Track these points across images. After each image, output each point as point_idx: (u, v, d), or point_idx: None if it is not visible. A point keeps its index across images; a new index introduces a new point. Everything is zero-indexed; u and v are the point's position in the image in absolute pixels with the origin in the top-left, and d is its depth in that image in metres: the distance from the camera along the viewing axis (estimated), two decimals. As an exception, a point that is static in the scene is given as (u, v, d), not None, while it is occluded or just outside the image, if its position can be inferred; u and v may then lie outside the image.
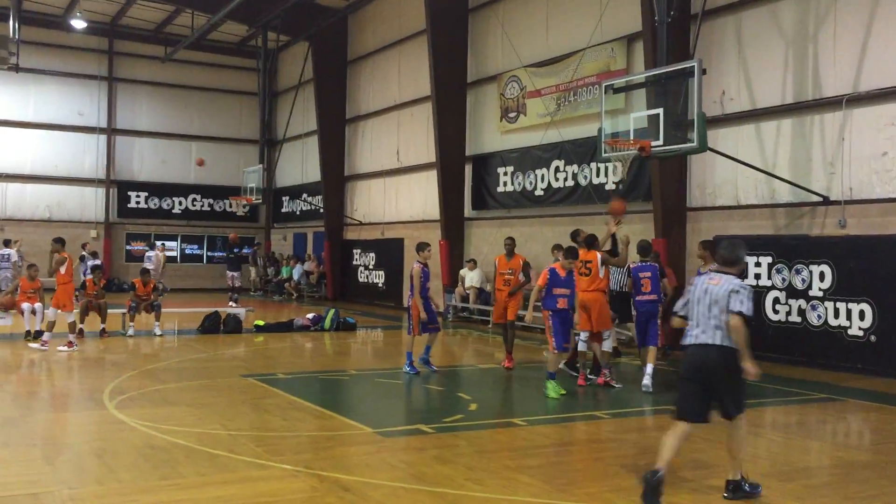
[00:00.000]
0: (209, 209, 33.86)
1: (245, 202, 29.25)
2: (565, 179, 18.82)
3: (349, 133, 28.71)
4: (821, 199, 13.57)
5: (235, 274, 25.30)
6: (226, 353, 14.55)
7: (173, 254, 32.38)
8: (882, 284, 12.48)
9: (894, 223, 12.61)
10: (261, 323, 18.38)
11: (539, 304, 10.91)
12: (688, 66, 12.88)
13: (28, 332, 15.30)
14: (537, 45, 19.85)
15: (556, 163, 19.07)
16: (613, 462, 7.45)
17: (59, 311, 14.17)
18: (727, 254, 6.40)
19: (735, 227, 14.91)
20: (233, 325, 17.53)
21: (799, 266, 13.58)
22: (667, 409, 9.89)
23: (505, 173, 20.80)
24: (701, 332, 6.20)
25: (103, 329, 16.23)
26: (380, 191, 26.90)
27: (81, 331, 15.61)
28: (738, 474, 6.30)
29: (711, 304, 6.16)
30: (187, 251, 33.69)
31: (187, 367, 12.77)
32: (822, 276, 13.27)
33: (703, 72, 12.71)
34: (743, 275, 7.40)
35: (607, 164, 17.09)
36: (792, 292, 13.69)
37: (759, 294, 13.64)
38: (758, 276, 14.13)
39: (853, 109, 13.24)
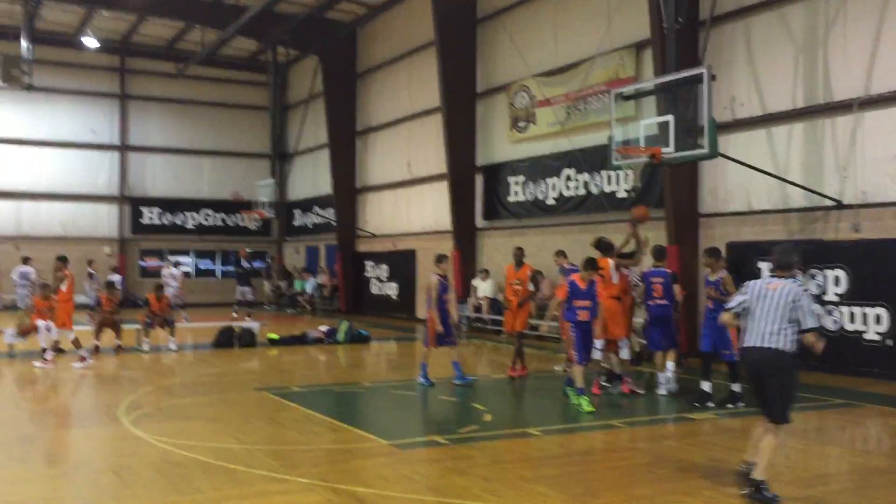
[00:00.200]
0: (222, 224, 34.02)
1: (257, 216, 29.30)
2: (577, 188, 18.81)
3: (360, 145, 28.79)
4: (834, 204, 13.50)
5: (246, 289, 25.22)
6: (240, 368, 14.59)
7: (187, 269, 32.50)
8: (898, 288, 12.40)
9: (909, 226, 12.55)
10: (275, 336, 18.39)
11: (557, 314, 10.83)
12: (697, 72, 12.85)
13: (44, 350, 15.36)
14: (546, 54, 19.87)
15: (567, 171, 19.07)
16: (629, 471, 7.42)
17: (61, 329, 14.33)
18: (781, 259, 6.75)
19: (748, 233, 14.85)
20: (247, 340, 17.58)
21: (813, 271, 13.51)
22: (682, 418, 9.88)
23: (516, 183, 20.80)
24: (757, 335, 6.50)
25: (119, 345, 16.31)
26: (391, 202, 26.95)
27: (97, 347, 15.72)
28: (760, 475, 6.27)
29: (769, 310, 6.46)
30: (200, 266, 33.86)
31: (202, 382, 12.81)
32: (836, 281, 13.21)
33: (713, 78, 12.68)
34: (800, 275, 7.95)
35: (619, 171, 17.06)
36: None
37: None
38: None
39: (865, 112, 13.19)
